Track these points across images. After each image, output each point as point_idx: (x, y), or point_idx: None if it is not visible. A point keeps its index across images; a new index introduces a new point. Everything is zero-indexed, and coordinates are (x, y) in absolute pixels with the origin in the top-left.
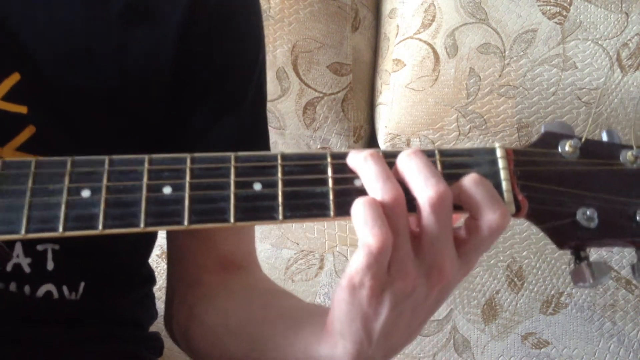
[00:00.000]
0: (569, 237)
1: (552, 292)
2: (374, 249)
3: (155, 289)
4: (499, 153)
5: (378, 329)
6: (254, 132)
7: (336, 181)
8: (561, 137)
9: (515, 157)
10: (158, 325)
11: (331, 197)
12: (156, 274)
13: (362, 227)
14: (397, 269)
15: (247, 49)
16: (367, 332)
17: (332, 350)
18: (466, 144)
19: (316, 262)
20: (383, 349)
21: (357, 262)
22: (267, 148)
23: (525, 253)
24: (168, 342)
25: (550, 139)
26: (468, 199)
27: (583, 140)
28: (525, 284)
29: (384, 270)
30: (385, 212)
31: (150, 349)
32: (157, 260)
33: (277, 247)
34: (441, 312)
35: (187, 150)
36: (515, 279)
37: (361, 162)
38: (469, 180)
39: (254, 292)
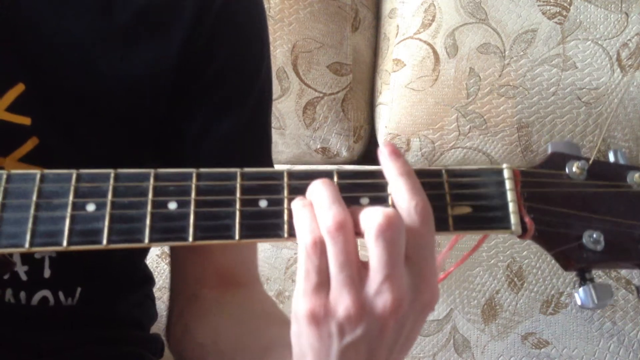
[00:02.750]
0: (575, 259)
1: (552, 292)
2: (308, 247)
3: (155, 289)
4: (506, 174)
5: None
6: (255, 137)
7: (345, 199)
8: (569, 158)
9: (523, 178)
10: (158, 326)
11: None
12: (156, 274)
13: (299, 227)
14: (339, 294)
15: (251, 54)
16: None
17: None
18: (466, 144)
19: None
20: None
21: (298, 276)
22: (267, 155)
23: (525, 253)
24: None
25: (557, 160)
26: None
27: (591, 161)
28: (525, 284)
29: (322, 288)
30: (328, 234)
31: (151, 350)
32: (157, 260)
33: (277, 247)
34: (441, 312)
35: (188, 153)
36: (515, 279)
37: (311, 189)
38: (395, 171)
39: (246, 314)
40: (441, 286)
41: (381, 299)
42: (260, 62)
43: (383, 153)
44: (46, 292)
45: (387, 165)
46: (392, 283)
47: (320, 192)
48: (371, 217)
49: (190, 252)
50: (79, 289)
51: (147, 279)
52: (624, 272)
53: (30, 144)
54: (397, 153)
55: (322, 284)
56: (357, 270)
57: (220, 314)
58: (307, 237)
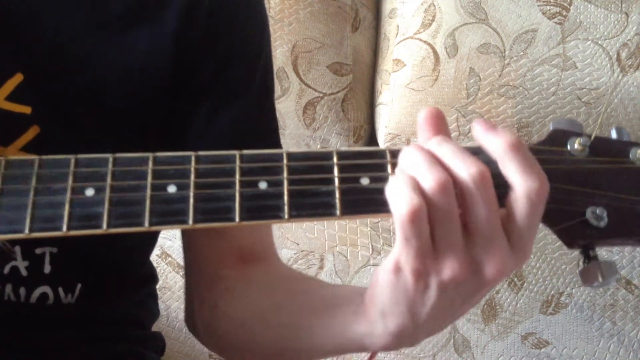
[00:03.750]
0: (578, 236)
1: (552, 292)
2: (404, 217)
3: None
4: None
5: (425, 313)
6: (260, 125)
7: (342, 180)
8: (570, 134)
9: None
10: (158, 325)
11: (337, 195)
12: (156, 272)
13: (394, 197)
14: (446, 255)
15: (249, 39)
16: (413, 316)
17: (371, 328)
18: (467, 144)
19: (316, 262)
20: (427, 330)
21: (397, 241)
22: (276, 140)
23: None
24: (168, 342)
25: (559, 137)
26: (502, 166)
27: (592, 138)
28: (525, 284)
29: (426, 250)
30: (431, 197)
31: (152, 348)
32: (157, 260)
33: (277, 247)
34: None
35: (191, 146)
36: (515, 279)
37: (404, 156)
38: (503, 145)
39: (275, 280)
40: None
41: (489, 264)
42: (261, 45)
43: (478, 129)
44: (46, 288)
45: (489, 140)
46: (498, 250)
47: (415, 157)
48: (466, 170)
49: (205, 235)
50: (79, 285)
51: (151, 277)
52: (624, 272)
53: (31, 133)
54: (493, 126)
55: (425, 246)
56: (461, 231)
57: (248, 287)
58: (403, 206)
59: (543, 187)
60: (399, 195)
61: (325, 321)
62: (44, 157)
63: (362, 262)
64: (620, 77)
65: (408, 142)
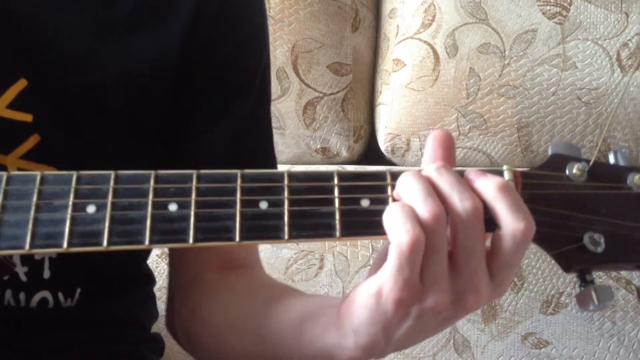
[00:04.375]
0: (575, 261)
1: (552, 292)
2: (404, 247)
3: (155, 289)
4: (506, 176)
5: (399, 334)
6: (256, 133)
7: (342, 201)
8: (569, 159)
9: (523, 179)
10: (158, 325)
11: (337, 217)
12: (156, 274)
13: (394, 226)
14: (431, 285)
15: (251, 47)
16: (386, 336)
17: (341, 341)
18: (466, 144)
19: (316, 262)
20: (397, 347)
21: (388, 267)
22: (270, 149)
23: (525, 253)
24: (169, 342)
25: (557, 162)
26: (492, 206)
27: (591, 163)
28: (525, 284)
29: (414, 282)
30: (424, 228)
31: (151, 349)
32: (157, 260)
33: (277, 248)
34: None
35: (190, 150)
36: (515, 279)
37: (403, 183)
38: (494, 186)
39: (252, 288)
40: None
41: (470, 295)
42: (262, 48)
43: (471, 177)
44: (45, 293)
45: (481, 182)
46: (480, 282)
47: (412, 186)
48: (461, 204)
49: None
50: (78, 290)
51: (148, 278)
52: (624, 272)
53: (32, 141)
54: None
55: (414, 276)
56: (447, 262)
57: (227, 291)
58: (403, 236)
59: (529, 228)
60: (400, 224)
61: (295, 331)
62: (46, 172)
63: (362, 262)
64: (620, 77)
65: (408, 142)
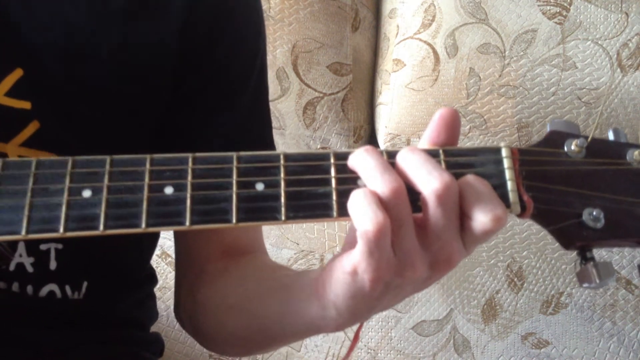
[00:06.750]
0: (575, 237)
1: (552, 292)
2: (370, 234)
3: (155, 289)
4: (504, 153)
5: (376, 305)
6: (255, 126)
7: (339, 181)
8: (567, 136)
9: (521, 156)
10: (158, 325)
11: (334, 197)
12: (156, 274)
13: (357, 215)
14: (403, 260)
15: (248, 42)
16: (367, 307)
17: (324, 312)
18: (466, 144)
19: (316, 262)
20: (378, 311)
21: (358, 250)
22: (270, 141)
23: (525, 253)
24: (168, 342)
25: (556, 138)
26: (462, 198)
27: (589, 139)
28: (525, 284)
29: (387, 260)
30: (385, 204)
31: (151, 350)
32: (157, 261)
33: (277, 247)
34: (441, 312)
35: (189, 144)
36: (515, 279)
37: (358, 158)
38: (466, 180)
39: (249, 270)
40: (441, 286)
41: (442, 261)
42: (258, 43)
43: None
44: (53, 286)
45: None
46: (450, 245)
47: (367, 162)
48: (430, 183)
49: (195, 235)
50: (85, 283)
51: (151, 277)
52: (624, 272)
53: (31, 128)
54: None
55: (386, 254)
56: (415, 233)
57: (225, 279)
58: (368, 224)
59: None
60: (363, 211)
61: (284, 307)
62: (41, 158)
63: None
64: (620, 77)
65: (408, 142)
